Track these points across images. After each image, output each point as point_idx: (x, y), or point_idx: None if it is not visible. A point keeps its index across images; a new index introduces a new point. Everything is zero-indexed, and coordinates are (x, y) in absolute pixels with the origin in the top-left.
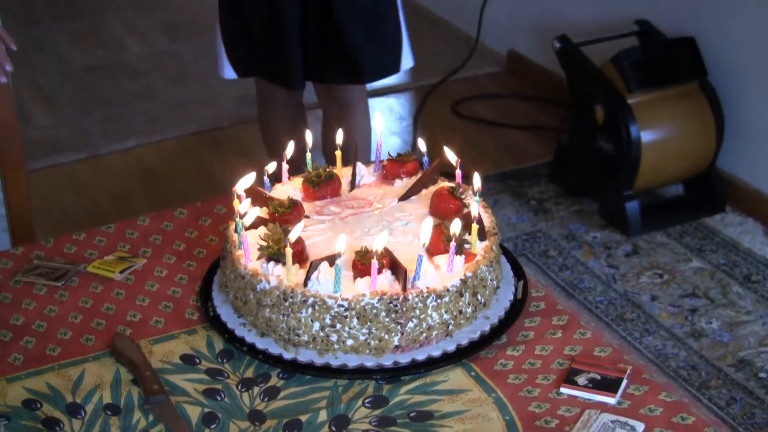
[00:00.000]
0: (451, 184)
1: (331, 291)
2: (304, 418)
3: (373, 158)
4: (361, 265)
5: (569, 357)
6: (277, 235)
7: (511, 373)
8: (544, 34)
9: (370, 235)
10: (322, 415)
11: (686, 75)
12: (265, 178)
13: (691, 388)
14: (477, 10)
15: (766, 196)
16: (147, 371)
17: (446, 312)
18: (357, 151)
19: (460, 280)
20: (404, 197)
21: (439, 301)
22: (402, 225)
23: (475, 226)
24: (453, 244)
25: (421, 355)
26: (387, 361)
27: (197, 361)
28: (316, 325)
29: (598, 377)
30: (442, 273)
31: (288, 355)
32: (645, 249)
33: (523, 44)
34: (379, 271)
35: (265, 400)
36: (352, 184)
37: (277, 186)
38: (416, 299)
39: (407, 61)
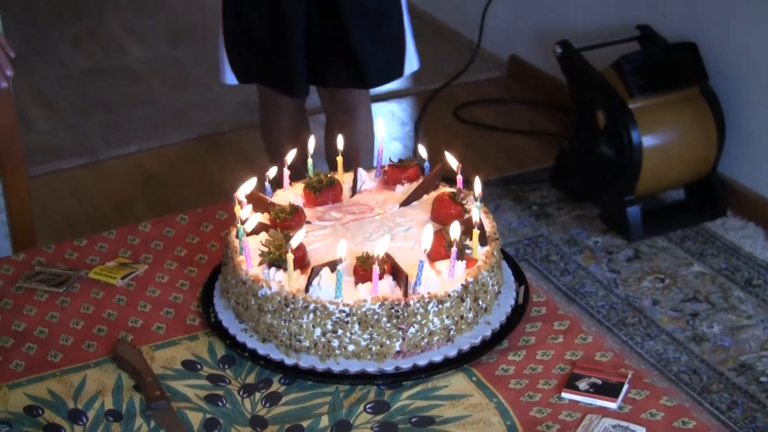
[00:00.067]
0: (452, 190)
1: (333, 296)
2: (305, 423)
3: (375, 163)
4: (363, 270)
5: (570, 362)
6: (279, 240)
7: (513, 378)
8: (545, 39)
9: (371, 241)
10: (324, 421)
11: (687, 80)
12: (267, 183)
13: (692, 392)
14: (478, 16)
15: (767, 201)
16: (149, 377)
17: (447, 317)
18: (358, 156)
19: (462, 285)
20: (405, 203)
21: (440, 306)
22: (403, 230)
23: (476, 232)
24: (454, 249)
25: (422, 361)
26: (388, 366)
27: (199, 367)
28: (318, 331)
29: (599, 382)
30: (443, 278)
31: (289, 361)
32: (646, 254)
33: (525, 49)
34: (381, 277)
35: (267, 405)
36: (354, 190)
37: (279, 192)
38: (417, 305)
39: (412, 64)
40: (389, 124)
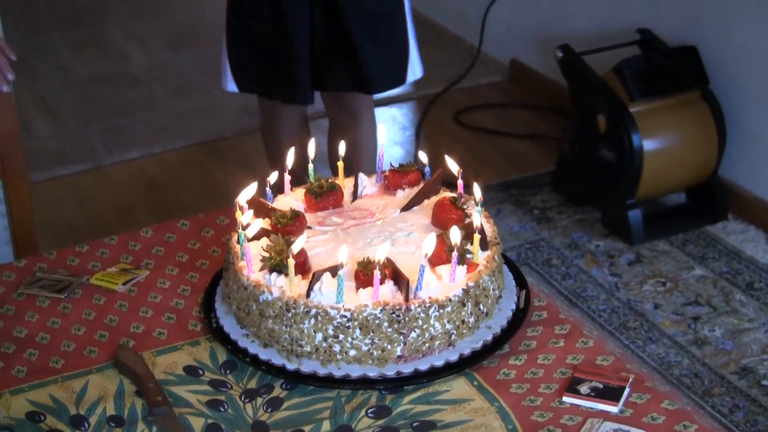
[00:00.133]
0: (453, 195)
1: (334, 301)
2: (307, 428)
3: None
4: (364, 275)
5: (572, 366)
6: (280, 246)
7: (514, 382)
8: (546, 44)
9: (372, 246)
10: (326, 426)
11: (688, 84)
12: (268, 189)
13: (694, 395)
14: (479, 20)
15: None
16: (150, 383)
17: (449, 322)
18: (359, 161)
19: (463, 290)
20: (406, 208)
21: (441, 311)
22: (404, 235)
23: (477, 236)
24: (455, 254)
25: (423, 365)
26: (390, 371)
27: (200, 372)
28: (319, 336)
29: (601, 386)
30: (444, 283)
31: (291, 366)
32: (648, 257)
33: (525, 53)
34: (382, 282)
35: (268, 410)
36: (354, 195)
37: (280, 197)
38: (418, 309)
39: (415, 72)
40: (390, 129)
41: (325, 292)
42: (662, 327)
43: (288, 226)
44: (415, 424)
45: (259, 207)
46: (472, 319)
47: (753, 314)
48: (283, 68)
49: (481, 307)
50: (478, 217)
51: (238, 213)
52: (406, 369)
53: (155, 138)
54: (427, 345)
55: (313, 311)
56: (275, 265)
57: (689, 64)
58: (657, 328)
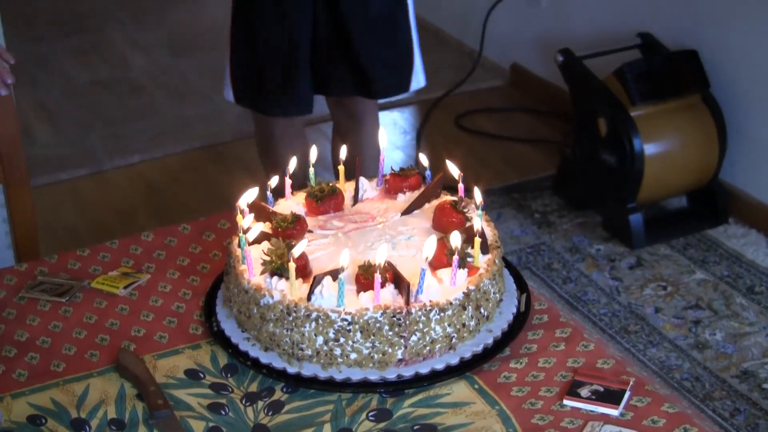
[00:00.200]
0: (454, 198)
1: (335, 305)
2: (308, 431)
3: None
4: (364, 279)
5: (572, 369)
6: (281, 249)
7: (515, 385)
8: (546, 48)
9: (373, 250)
10: (326, 429)
11: (689, 87)
12: (268, 193)
13: (695, 399)
14: (480, 24)
15: None
16: (151, 386)
17: (449, 325)
18: (359, 165)
19: (463, 293)
20: (407, 211)
21: (442, 314)
22: (405, 239)
23: (477, 240)
24: (456, 257)
25: (424, 369)
26: (390, 374)
27: (201, 375)
28: (320, 339)
29: (601, 389)
30: (445, 286)
31: (292, 369)
32: (648, 261)
33: (526, 58)
34: (382, 285)
35: (270, 414)
36: (355, 199)
37: (281, 201)
38: (419, 313)
39: (419, 81)
40: (391, 133)
41: (326, 296)
42: (663, 331)
43: (289, 229)
44: (416, 428)
45: (259, 211)
46: (472, 323)
47: (754, 318)
48: (283, 77)
49: (482, 311)
50: (478, 221)
51: (239, 217)
52: (407, 372)
53: (156, 143)
54: (427, 348)
55: (314, 315)
56: (276, 268)
57: (690, 67)
58: (658, 331)
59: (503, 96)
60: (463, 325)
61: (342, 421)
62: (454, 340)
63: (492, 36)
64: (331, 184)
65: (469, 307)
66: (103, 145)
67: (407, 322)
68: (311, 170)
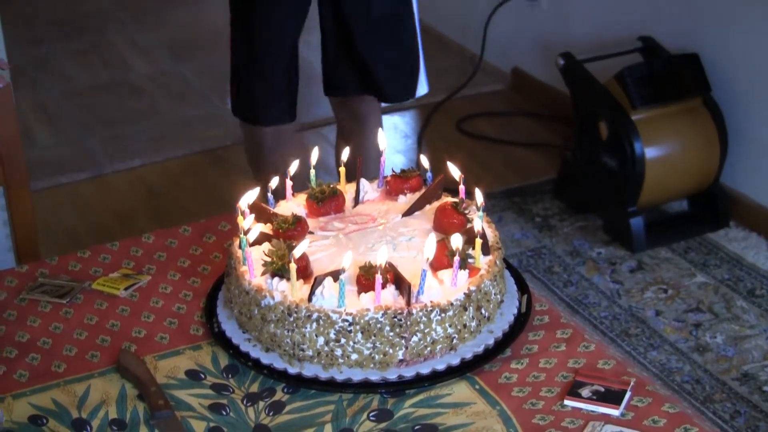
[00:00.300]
0: (455, 200)
1: (336, 306)
2: (309, 431)
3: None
4: (365, 280)
5: (573, 370)
6: (282, 250)
7: (516, 386)
8: (547, 52)
9: (374, 251)
10: (327, 429)
11: (690, 91)
12: (269, 194)
13: (695, 401)
14: (481, 28)
15: None
16: (152, 387)
17: (450, 326)
18: (360, 166)
19: (464, 294)
20: (408, 213)
21: (443, 315)
22: (406, 240)
23: (478, 241)
24: (457, 258)
25: (425, 369)
26: (391, 375)
27: (202, 376)
28: (321, 340)
29: (602, 389)
30: (445, 287)
31: (293, 370)
32: (649, 264)
33: (527, 62)
34: (383, 286)
35: (270, 414)
36: (356, 200)
37: (281, 202)
38: (420, 313)
39: (422, 87)
40: (392, 137)
41: (327, 297)
42: (664, 334)
43: (290, 231)
44: (416, 428)
45: (260, 212)
46: (473, 324)
47: (754, 321)
48: (285, 80)
49: (483, 312)
50: (479, 222)
51: (239, 218)
52: (408, 373)
53: (156, 146)
54: (428, 349)
55: (315, 315)
56: (277, 269)
57: (691, 71)
58: (658, 334)
59: (504, 100)
60: (464, 325)
61: (343, 422)
62: (455, 341)
63: (493, 40)
64: (331, 186)
65: (470, 307)
66: (103, 147)
67: (408, 323)
68: (312, 172)
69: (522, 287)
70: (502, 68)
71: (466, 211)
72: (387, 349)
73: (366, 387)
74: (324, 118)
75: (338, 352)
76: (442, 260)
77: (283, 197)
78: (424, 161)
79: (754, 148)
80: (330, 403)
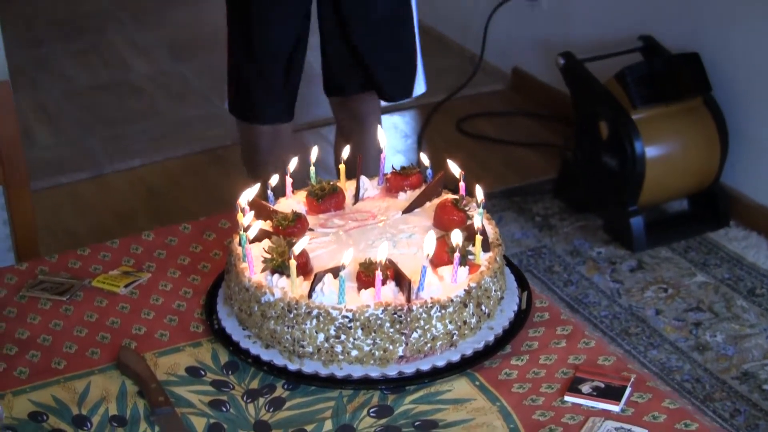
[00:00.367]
0: (455, 197)
1: (336, 302)
2: (309, 428)
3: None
4: (365, 276)
5: (573, 366)
6: (282, 247)
7: (516, 382)
8: (548, 52)
9: (374, 248)
10: (328, 425)
11: (690, 90)
12: (269, 191)
13: (695, 400)
14: (481, 28)
15: None
16: (152, 383)
17: (450, 322)
18: (360, 163)
19: (464, 290)
20: (408, 210)
21: (443, 311)
22: (406, 237)
23: (479, 237)
24: (457, 255)
25: (425, 365)
26: (391, 371)
27: (202, 373)
28: (321, 337)
29: (602, 385)
30: (446, 284)
31: (293, 366)
32: (649, 264)
33: (528, 61)
34: (383, 283)
35: (271, 410)
36: (356, 197)
37: (281, 200)
38: (420, 310)
39: (420, 86)
40: (392, 137)
41: (327, 293)
42: (664, 333)
43: (289, 228)
44: (416, 424)
45: (260, 209)
46: (473, 320)
47: (754, 320)
48: (284, 80)
49: (483, 308)
50: (479, 219)
51: (239, 215)
52: (408, 369)
53: (156, 146)
54: (428, 345)
55: (315, 312)
56: (277, 266)
57: (691, 70)
58: (658, 333)
59: (504, 100)
60: (464, 322)
61: (343, 418)
62: (455, 337)
63: (493, 40)
64: (331, 183)
65: (470, 304)
66: (103, 147)
67: (408, 319)
68: (312, 169)
69: (522, 284)
70: (502, 68)
71: (467, 208)
72: (387, 345)
73: (366, 383)
74: (323, 118)
75: (338, 348)
76: (442, 257)
77: (283, 194)
78: (424, 158)
79: (755, 147)
80: (330, 400)
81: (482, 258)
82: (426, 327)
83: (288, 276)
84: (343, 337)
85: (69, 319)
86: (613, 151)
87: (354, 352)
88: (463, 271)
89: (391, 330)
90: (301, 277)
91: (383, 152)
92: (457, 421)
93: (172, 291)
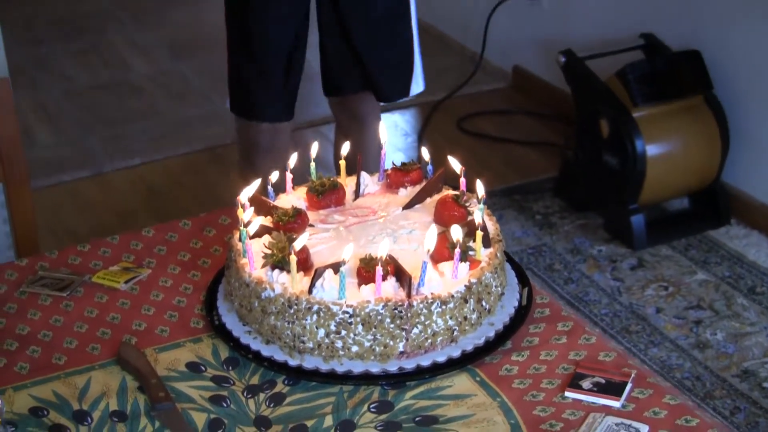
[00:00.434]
0: (456, 192)
1: (336, 298)
2: (309, 423)
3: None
4: (366, 272)
5: (574, 362)
6: (282, 243)
7: (516, 378)
8: (548, 50)
9: (374, 243)
10: (328, 421)
11: (691, 88)
12: (269, 187)
13: (695, 398)
14: (481, 27)
15: None
16: (153, 379)
17: (451, 318)
18: (360, 160)
19: (465, 286)
20: (408, 206)
21: (443, 307)
22: (406, 233)
23: (479, 233)
24: (457, 250)
25: (426, 361)
26: (392, 367)
27: (203, 368)
28: (321, 332)
29: (603, 381)
30: (446, 279)
31: (293, 362)
32: (650, 262)
33: (528, 60)
34: (384, 278)
35: (271, 406)
36: (357, 193)
37: (282, 195)
38: (421, 305)
39: (418, 85)
40: (393, 136)
41: (328, 289)
42: (664, 331)
43: (290, 223)
44: (417, 419)
45: (260, 205)
46: (474, 316)
47: (755, 318)
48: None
49: (484, 304)
50: (480, 214)
51: (239, 210)
52: (409, 365)
53: (157, 145)
54: (429, 341)
55: (316, 307)
56: (277, 261)
57: (693, 68)
58: (659, 331)
59: (505, 98)
60: (465, 318)
61: (344, 413)
62: (455, 333)
63: (493, 39)
64: (332, 179)
65: (471, 300)
66: (103, 147)
67: (409, 315)
68: (312, 165)
69: (523, 280)
70: (502, 67)
71: (467, 204)
72: (388, 341)
73: (367, 379)
74: (323, 116)
75: (339, 344)
76: (442, 252)
77: (283, 190)
78: (425, 154)
79: (756, 146)
80: (331, 395)
81: (483, 254)
82: (426, 323)
83: (288, 272)
84: (343, 332)
85: (69, 314)
86: (614, 150)
87: (354, 348)
88: (464, 266)
89: (392, 325)
90: (302, 273)
91: (383, 148)
92: (457, 416)
93: (173, 287)
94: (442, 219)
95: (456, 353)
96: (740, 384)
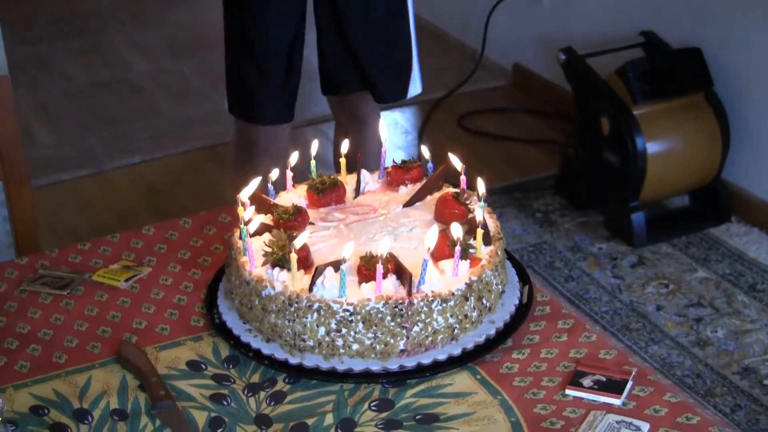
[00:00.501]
0: (456, 190)
1: (337, 296)
2: (310, 421)
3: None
4: (366, 270)
5: (574, 360)
6: (282, 241)
7: (517, 375)
8: (549, 48)
9: (374, 241)
10: (329, 419)
11: (692, 86)
12: (270, 185)
13: (696, 395)
14: (482, 25)
15: None
16: (153, 377)
17: (451, 316)
18: (361, 157)
19: (465, 284)
20: (409, 203)
21: (444, 305)
22: (407, 231)
23: (480, 231)
24: (458, 248)
25: (426, 359)
26: (393, 365)
27: (203, 367)
28: (322, 330)
29: (604, 379)
30: (447, 277)
31: (294, 360)
32: (650, 260)
33: (528, 58)
34: (384, 276)
35: (272, 404)
36: (357, 191)
37: (282, 193)
38: (421, 303)
39: (416, 87)
40: (393, 134)
41: (328, 287)
42: (665, 328)
43: (290, 221)
44: (417, 417)
45: (260, 203)
46: (475, 314)
47: (755, 315)
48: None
49: (484, 302)
50: (480, 212)
51: (240, 209)
52: (409, 363)
53: (156, 143)
54: (430, 339)
55: (316, 305)
56: (278, 259)
57: (693, 66)
58: (659, 329)
59: (505, 96)
60: (465, 315)
61: (344, 411)
62: (456, 331)
63: (493, 36)
64: (332, 177)
65: (472, 297)
66: (103, 146)
67: (409, 313)
68: (312, 162)
69: (523, 278)
70: (503, 64)
71: (468, 202)
72: (388, 339)
73: (367, 377)
74: (322, 115)
75: (339, 342)
76: (443, 250)
77: (284, 188)
78: (425, 152)
79: (756, 143)
80: (331, 393)
81: (483, 251)
82: (427, 320)
83: (289, 270)
84: (344, 330)
85: (69, 313)
86: (615, 147)
87: (355, 346)
88: (465, 264)
89: (392, 323)
90: (302, 271)
91: (384, 146)
92: (458, 414)
93: (173, 285)
94: (443, 217)
95: (456, 351)
96: (741, 381)
